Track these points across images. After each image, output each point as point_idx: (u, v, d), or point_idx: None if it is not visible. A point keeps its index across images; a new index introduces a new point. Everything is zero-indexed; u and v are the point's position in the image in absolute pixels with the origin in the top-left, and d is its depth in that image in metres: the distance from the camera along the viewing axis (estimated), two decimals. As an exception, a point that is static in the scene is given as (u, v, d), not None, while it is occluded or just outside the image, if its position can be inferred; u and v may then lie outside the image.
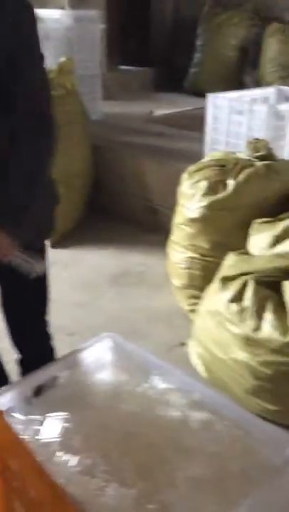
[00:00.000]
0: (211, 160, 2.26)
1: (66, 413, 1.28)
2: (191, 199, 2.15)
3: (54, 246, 3.22)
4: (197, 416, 1.27)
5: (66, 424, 1.25)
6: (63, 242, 3.23)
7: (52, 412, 1.29)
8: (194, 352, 1.94)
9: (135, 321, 2.43)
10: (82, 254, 3.14)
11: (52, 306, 2.64)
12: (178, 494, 1.05)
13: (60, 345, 2.20)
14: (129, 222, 3.42)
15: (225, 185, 2.09)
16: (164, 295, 2.62)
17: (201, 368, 1.88)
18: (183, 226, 2.23)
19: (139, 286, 2.77)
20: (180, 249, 2.30)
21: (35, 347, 1.61)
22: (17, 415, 1.29)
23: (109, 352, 1.52)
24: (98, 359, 1.50)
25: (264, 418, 1.66)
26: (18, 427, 1.27)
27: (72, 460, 1.14)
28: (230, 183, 2.07)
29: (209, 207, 2.08)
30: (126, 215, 3.46)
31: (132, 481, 1.08)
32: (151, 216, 3.32)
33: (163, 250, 2.54)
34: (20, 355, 1.66)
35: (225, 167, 2.16)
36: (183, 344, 2.13)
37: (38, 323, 1.60)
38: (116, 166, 3.48)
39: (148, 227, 3.29)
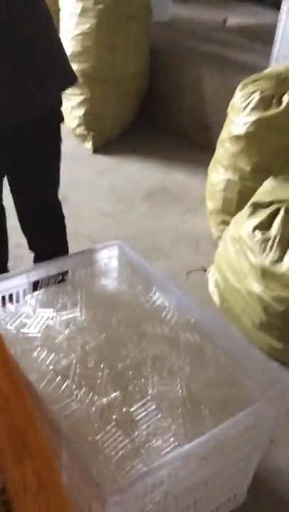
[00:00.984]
0: (271, 72, 2.01)
1: (56, 311, 1.25)
2: (240, 113, 1.94)
3: (96, 151, 3.10)
4: (188, 338, 1.20)
5: (53, 322, 1.21)
6: (106, 148, 3.09)
7: (44, 308, 1.26)
8: (212, 279, 1.84)
9: (161, 240, 2.34)
10: (123, 164, 3.01)
11: (81, 213, 2.57)
12: (146, 410, 1.00)
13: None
14: (179, 137, 3.22)
15: (279, 102, 1.86)
16: (197, 218, 2.49)
17: (216, 296, 1.79)
18: (226, 143, 2.04)
19: (173, 204, 2.64)
20: (220, 170, 2.13)
21: (47, 233, 1.56)
22: (9, 305, 1.27)
23: (116, 260, 1.45)
24: (103, 265, 1.43)
25: (270, 355, 1.59)
26: (6, 317, 1.25)
27: (50, 358, 1.11)
28: (285, 99, 1.84)
29: (257, 123, 1.87)
30: (177, 129, 3.25)
31: (104, 390, 1.04)
32: (204, 133, 3.10)
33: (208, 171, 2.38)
34: (32, 246, 1.62)
35: (285, 82, 1.92)
36: (204, 270, 2.03)
37: (49, 203, 1.53)
38: (174, 73, 3.22)
39: (198, 144, 3.08)
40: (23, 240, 1.93)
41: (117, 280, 1.41)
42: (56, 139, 1.42)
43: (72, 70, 1.38)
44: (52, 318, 1.22)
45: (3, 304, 1.29)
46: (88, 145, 3.16)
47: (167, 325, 1.23)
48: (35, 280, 1.33)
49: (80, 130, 3.20)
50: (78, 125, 3.20)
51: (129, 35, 2.98)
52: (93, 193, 2.65)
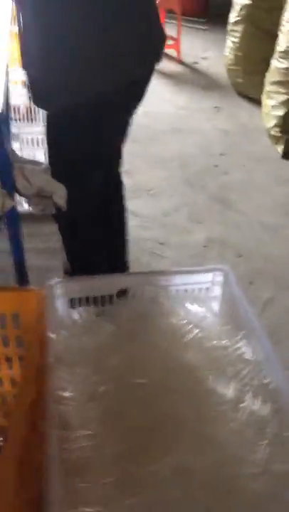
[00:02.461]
0: None
1: (126, 328, 1.14)
2: None
3: (286, 156, 2.84)
4: (254, 407, 0.97)
5: (116, 340, 1.12)
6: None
7: (115, 322, 1.17)
8: None
9: None
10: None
11: (240, 220, 2.36)
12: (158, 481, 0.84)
13: (232, 266, 2.00)
14: None
15: None
16: None
17: None
18: None
19: None
20: None
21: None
22: (79, 310, 1.21)
23: (215, 287, 1.26)
24: (195, 289, 1.27)
25: None
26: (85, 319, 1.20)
27: (93, 380, 1.02)
28: None
29: None
30: None
31: (121, 439, 0.91)
32: None
33: None
34: None
35: None
36: None
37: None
38: None
39: None
40: (160, 235, 1.87)
41: (203, 310, 1.23)
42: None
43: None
44: (117, 335, 1.12)
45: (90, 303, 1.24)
46: (279, 148, 2.92)
47: (239, 382, 1.02)
48: (123, 288, 1.25)
49: (275, 131, 2.97)
50: (274, 125, 2.98)
51: None
52: (264, 201, 2.43)
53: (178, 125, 3.11)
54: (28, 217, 1.74)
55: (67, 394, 0.98)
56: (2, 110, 1.09)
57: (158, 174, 2.59)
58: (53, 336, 1.07)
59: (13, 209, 1.29)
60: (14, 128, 1.94)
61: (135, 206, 2.32)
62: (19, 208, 1.61)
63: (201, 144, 2.89)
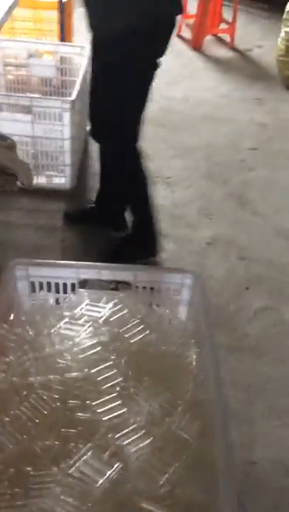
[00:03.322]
0: None
1: (83, 323, 1.10)
2: None
3: None
4: (183, 425, 0.91)
5: (70, 333, 1.07)
6: None
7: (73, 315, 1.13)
8: None
9: None
10: None
11: (253, 222, 2.22)
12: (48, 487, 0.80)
13: (231, 268, 1.92)
14: None
15: None
16: None
17: None
18: None
19: None
20: None
21: None
22: (39, 295, 1.18)
23: (184, 290, 1.19)
24: (162, 289, 1.20)
25: None
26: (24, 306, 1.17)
27: (34, 370, 0.99)
28: None
29: None
30: None
31: (38, 433, 0.88)
32: None
33: None
34: None
35: None
36: None
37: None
38: None
39: None
40: (165, 226, 1.90)
41: (173, 314, 1.17)
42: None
43: None
44: (65, 327, 1.08)
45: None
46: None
47: (173, 395, 0.96)
48: (85, 278, 1.21)
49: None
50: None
51: None
52: (284, 205, 2.29)
53: (214, 114, 2.98)
54: (32, 192, 1.71)
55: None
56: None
57: (180, 162, 2.49)
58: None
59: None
60: (26, 101, 1.90)
61: (148, 193, 2.25)
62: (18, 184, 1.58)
63: (232, 136, 2.76)
